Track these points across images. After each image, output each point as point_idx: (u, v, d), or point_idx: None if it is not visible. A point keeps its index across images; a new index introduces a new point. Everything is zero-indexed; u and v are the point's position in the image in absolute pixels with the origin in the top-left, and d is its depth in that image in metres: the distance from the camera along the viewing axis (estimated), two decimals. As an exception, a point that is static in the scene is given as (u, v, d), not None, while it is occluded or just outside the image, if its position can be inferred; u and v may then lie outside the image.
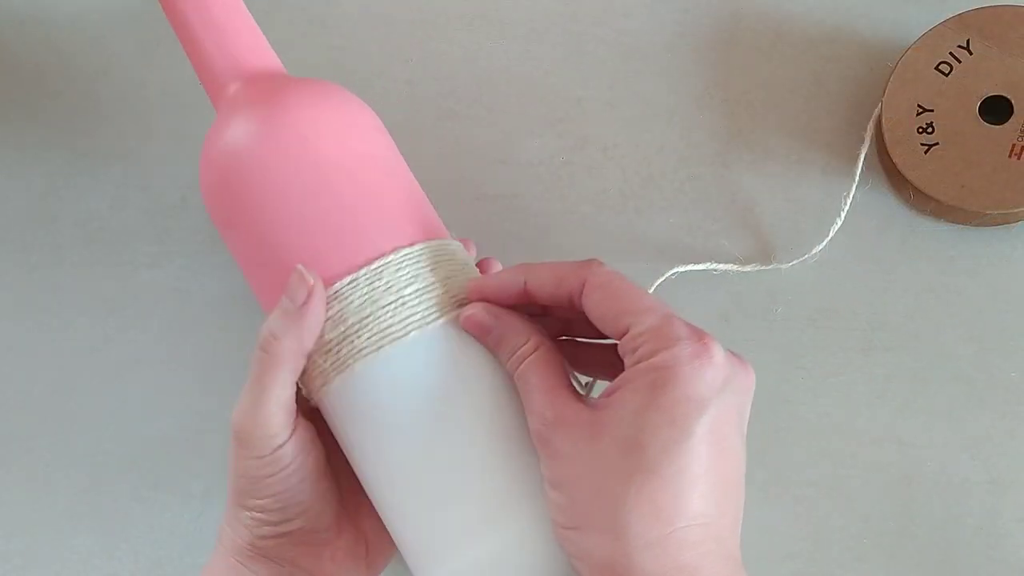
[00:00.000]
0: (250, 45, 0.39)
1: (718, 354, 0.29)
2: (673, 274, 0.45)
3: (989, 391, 0.44)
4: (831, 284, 0.46)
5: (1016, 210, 0.43)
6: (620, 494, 0.28)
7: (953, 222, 0.45)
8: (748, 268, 0.46)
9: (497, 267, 0.40)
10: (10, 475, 0.50)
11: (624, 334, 0.30)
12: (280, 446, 0.33)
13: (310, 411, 0.35)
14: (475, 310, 0.33)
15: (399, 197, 0.36)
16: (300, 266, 0.33)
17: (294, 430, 0.34)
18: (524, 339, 0.33)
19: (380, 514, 0.34)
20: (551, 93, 0.50)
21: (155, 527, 0.48)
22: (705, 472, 0.29)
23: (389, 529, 0.34)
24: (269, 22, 0.52)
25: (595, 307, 0.32)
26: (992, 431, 0.44)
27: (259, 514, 0.34)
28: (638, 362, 0.30)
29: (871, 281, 0.46)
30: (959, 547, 0.43)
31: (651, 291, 0.45)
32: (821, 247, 0.45)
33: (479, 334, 0.33)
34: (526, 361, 0.32)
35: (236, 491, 0.34)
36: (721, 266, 0.45)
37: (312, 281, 0.33)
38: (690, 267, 0.46)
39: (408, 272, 0.34)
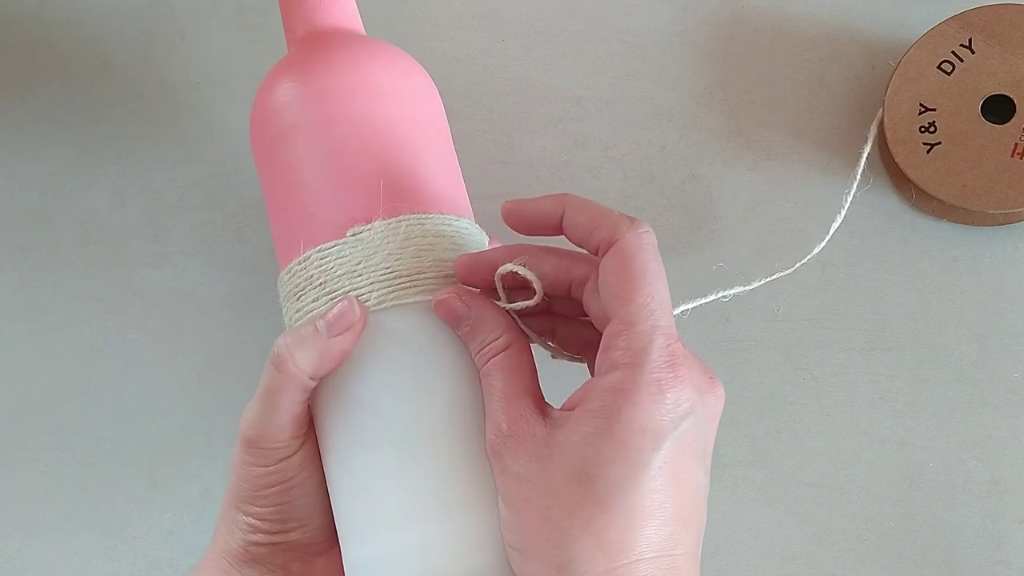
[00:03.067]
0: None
1: (684, 384, 0.28)
2: (684, 312, 0.43)
3: (991, 391, 0.44)
4: (833, 284, 0.46)
5: (1018, 210, 0.42)
6: (566, 526, 0.27)
7: (955, 222, 0.45)
8: (754, 285, 0.44)
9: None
10: (10, 475, 0.50)
11: (610, 320, 0.29)
12: (287, 458, 0.32)
13: None
14: (447, 296, 0.31)
15: (416, 169, 0.35)
16: (352, 297, 0.32)
17: (303, 443, 0.33)
18: (497, 334, 0.31)
19: (328, 484, 0.33)
20: (551, 93, 0.49)
21: (155, 527, 0.48)
22: (659, 506, 0.28)
23: (331, 500, 0.33)
24: (269, 23, 0.52)
25: (606, 272, 0.29)
26: (994, 431, 0.44)
27: (256, 521, 0.33)
28: (601, 370, 0.28)
29: (873, 281, 0.45)
30: (961, 548, 0.43)
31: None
32: (822, 247, 0.45)
33: (451, 322, 0.32)
34: (493, 359, 0.31)
35: (236, 495, 0.33)
36: (730, 291, 0.43)
37: (358, 316, 0.31)
38: (698, 302, 0.43)
39: (395, 245, 0.33)
